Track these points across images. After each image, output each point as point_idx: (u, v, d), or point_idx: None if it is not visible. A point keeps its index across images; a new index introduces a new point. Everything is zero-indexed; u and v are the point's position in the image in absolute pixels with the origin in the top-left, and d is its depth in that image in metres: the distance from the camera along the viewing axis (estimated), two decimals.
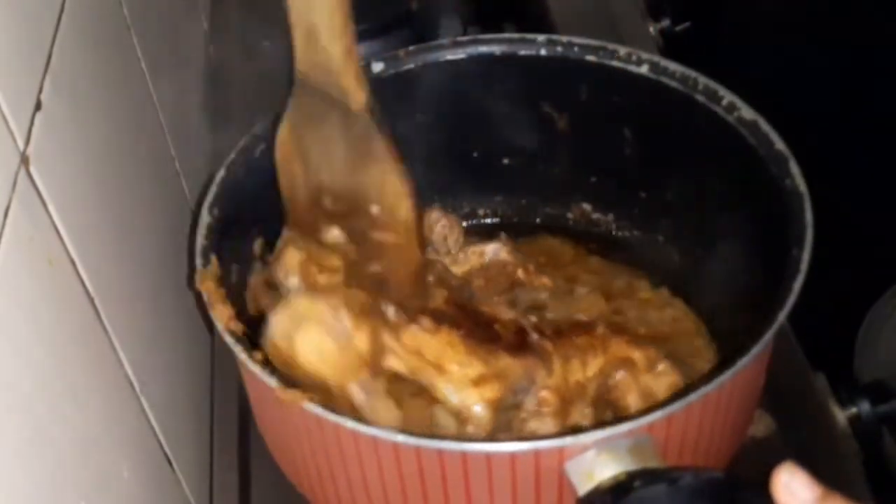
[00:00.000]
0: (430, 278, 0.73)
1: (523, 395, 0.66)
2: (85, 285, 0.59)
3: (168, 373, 0.75)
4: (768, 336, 0.59)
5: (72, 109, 0.62)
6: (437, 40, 0.81)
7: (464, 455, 0.57)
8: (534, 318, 0.71)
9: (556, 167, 0.84)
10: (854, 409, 0.75)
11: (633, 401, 0.69)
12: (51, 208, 0.55)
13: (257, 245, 0.75)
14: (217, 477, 0.76)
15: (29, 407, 0.49)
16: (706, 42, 1.10)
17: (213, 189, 0.71)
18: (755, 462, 0.72)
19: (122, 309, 0.65)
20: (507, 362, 0.65)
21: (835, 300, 1.10)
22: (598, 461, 0.54)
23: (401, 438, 0.57)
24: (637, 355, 0.70)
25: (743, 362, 0.58)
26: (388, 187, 0.67)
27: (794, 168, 0.67)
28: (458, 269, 0.80)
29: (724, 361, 0.61)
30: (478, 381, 0.64)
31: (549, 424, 0.66)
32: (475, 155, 0.83)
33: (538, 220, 0.86)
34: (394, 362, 0.65)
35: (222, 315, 0.64)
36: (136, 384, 0.66)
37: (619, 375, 0.69)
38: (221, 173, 0.72)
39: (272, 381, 0.60)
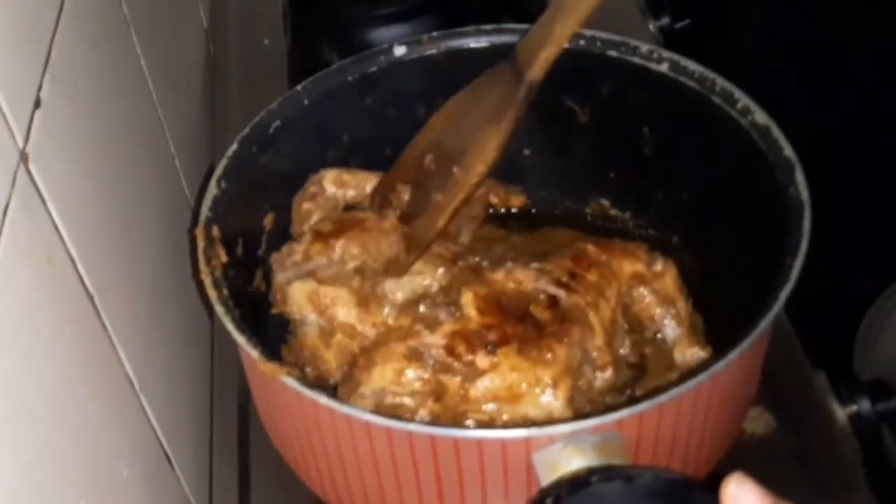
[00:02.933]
0: (441, 269, 0.73)
1: (585, 368, 0.67)
2: (84, 283, 0.59)
3: (168, 371, 0.75)
4: (747, 343, 0.59)
5: (71, 107, 0.62)
6: (461, 27, 0.81)
7: (432, 439, 0.57)
8: (535, 266, 0.71)
9: (577, 161, 0.84)
10: (854, 407, 0.75)
11: (656, 311, 0.72)
12: (50, 206, 0.55)
13: (268, 220, 0.76)
14: (217, 475, 0.76)
15: (28, 405, 0.49)
16: (706, 40, 1.10)
17: (224, 162, 0.72)
18: (755, 460, 0.72)
19: (121, 307, 0.65)
20: (563, 351, 0.66)
21: (835, 297, 1.10)
22: (563, 455, 0.55)
23: (368, 417, 0.57)
24: (639, 266, 0.73)
25: (718, 367, 0.58)
26: (484, 147, 0.72)
27: (800, 176, 0.67)
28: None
29: (701, 365, 0.61)
30: (552, 388, 0.65)
31: (610, 374, 0.68)
32: None
33: (557, 213, 0.85)
34: (473, 419, 0.66)
35: (217, 291, 0.65)
36: (135, 382, 0.66)
37: (636, 293, 0.73)
38: (234, 147, 0.73)
39: (254, 353, 0.60)
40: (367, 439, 0.59)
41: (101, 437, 0.59)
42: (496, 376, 0.65)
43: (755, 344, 0.59)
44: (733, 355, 0.58)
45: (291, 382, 0.59)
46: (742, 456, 0.72)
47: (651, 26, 1.06)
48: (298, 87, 0.77)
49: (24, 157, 0.52)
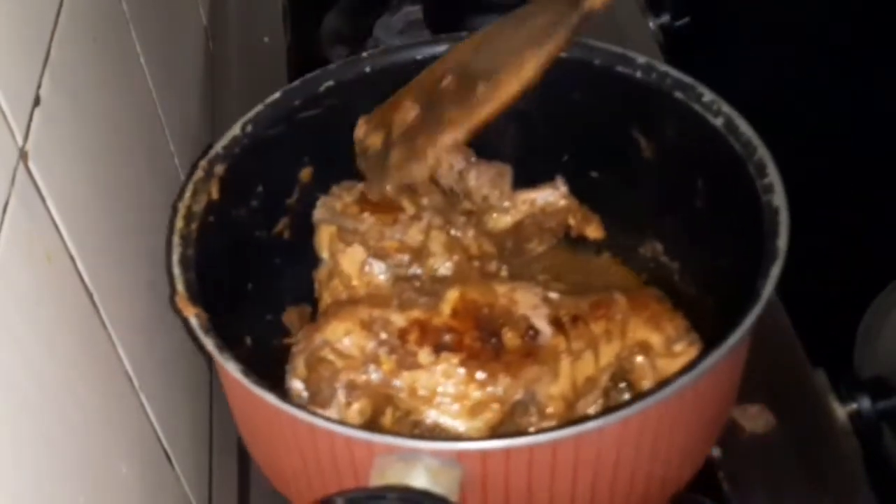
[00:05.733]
0: (452, 261, 0.73)
1: (525, 406, 0.66)
2: (84, 281, 0.59)
3: (167, 369, 0.75)
4: (625, 413, 0.56)
5: (71, 105, 0.61)
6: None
7: (293, 419, 0.58)
8: (554, 295, 0.69)
9: (639, 195, 0.80)
10: (854, 406, 0.75)
11: (647, 385, 0.67)
12: (49, 204, 0.55)
13: (305, 173, 0.77)
14: (216, 474, 0.76)
15: (27, 403, 0.49)
16: (706, 37, 1.10)
17: (258, 108, 0.74)
18: (755, 458, 0.72)
19: (120, 304, 0.65)
20: (506, 383, 0.65)
21: (835, 295, 1.10)
22: (394, 467, 0.55)
23: (241, 379, 0.58)
24: (655, 338, 0.68)
25: (583, 429, 0.56)
26: (521, 65, 0.70)
27: (777, 272, 0.63)
28: (505, 221, 0.79)
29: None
30: (474, 410, 0.64)
31: (554, 424, 0.66)
32: (565, 158, 0.82)
33: (611, 243, 0.82)
34: (395, 405, 0.66)
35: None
36: (135, 381, 0.66)
37: (636, 361, 0.68)
38: (275, 96, 0.74)
39: (179, 286, 0.63)
40: (252, 402, 0.61)
41: (101, 435, 0.59)
42: (428, 376, 0.65)
43: (634, 415, 0.56)
44: (592, 425, 0.56)
45: (196, 325, 0.61)
46: (742, 454, 0.72)
47: (651, 24, 1.06)
48: (364, 54, 0.78)
49: (23, 155, 0.52)
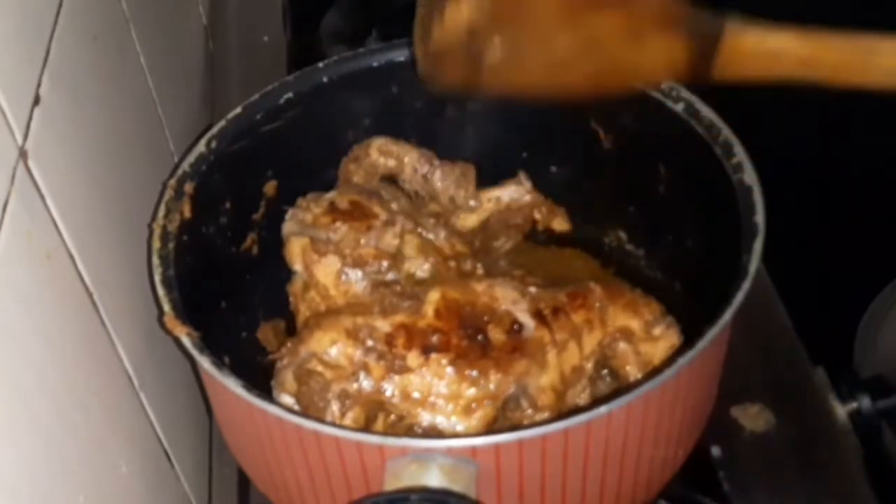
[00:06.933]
0: (429, 262, 0.73)
1: (517, 401, 0.66)
2: (83, 279, 0.59)
3: (167, 368, 0.75)
4: (632, 397, 0.57)
5: (70, 104, 0.61)
6: None
7: (297, 428, 0.58)
8: (532, 289, 0.69)
9: (600, 187, 0.82)
10: (854, 404, 0.75)
11: (631, 370, 0.68)
12: (49, 203, 0.55)
13: (269, 187, 0.77)
14: (216, 472, 0.76)
15: (27, 402, 0.49)
16: None
17: (221, 124, 0.73)
18: (755, 457, 0.72)
19: (120, 303, 0.65)
20: (497, 378, 0.65)
21: (835, 294, 1.10)
22: (408, 469, 0.55)
23: (240, 392, 0.58)
24: (635, 324, 0.69)
25: (598, 413, 0.56)
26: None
27: (759, 245, 0.64)
28: (472, 220, 0.80)
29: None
30: (468, 408, 0.65)
31: (547, 417, 0.66)
32: (524, 155, 0.83)
33: (577, 236, 0.83)
34: (388, 411, 0.66)
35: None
36: (134, 379, 0.66)
37: (619, 348, 0.69)
38: (237, 111, 0.74)
39: (166, 307, 0.62)
40: (252, 419, 0.61)
41: (101, 433, 0.59)
42: (419, 378, 0.65)
43: (638, 398, 0.57)
44: (603, 409, 0.56)
45: (188, 344, 0.61)
46: (742, 454, 0.72)
47: None
48: (319, 65, 0.77)
49: (23, 154, 0.52)
